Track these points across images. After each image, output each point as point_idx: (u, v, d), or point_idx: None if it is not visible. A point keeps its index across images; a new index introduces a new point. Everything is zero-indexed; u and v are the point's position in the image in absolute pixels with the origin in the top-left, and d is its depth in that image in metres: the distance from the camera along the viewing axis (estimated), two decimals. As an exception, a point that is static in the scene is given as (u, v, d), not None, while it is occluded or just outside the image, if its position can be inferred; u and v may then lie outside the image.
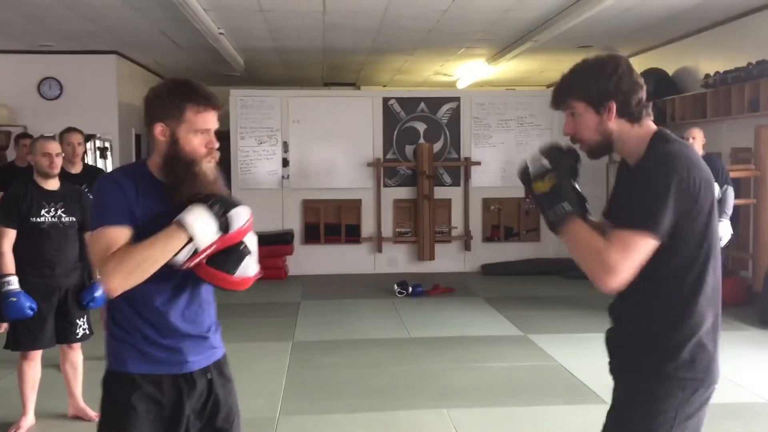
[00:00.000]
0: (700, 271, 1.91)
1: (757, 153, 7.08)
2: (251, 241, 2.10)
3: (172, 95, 2.03)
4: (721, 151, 7.62)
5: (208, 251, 1.99)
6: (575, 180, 2.02)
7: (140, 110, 2.16)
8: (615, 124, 1.95)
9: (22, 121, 9.22)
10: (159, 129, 2.02)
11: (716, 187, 6.08)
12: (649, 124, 1.99)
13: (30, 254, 3.92)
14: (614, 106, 1.94)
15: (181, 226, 1.93)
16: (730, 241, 6.31)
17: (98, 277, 1.99)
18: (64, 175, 5.01)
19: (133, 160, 10.19)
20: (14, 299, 3.77)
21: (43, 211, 3.95)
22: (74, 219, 4.07)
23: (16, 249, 3.88)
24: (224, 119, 9.48)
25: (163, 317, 2.06)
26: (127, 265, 1.91)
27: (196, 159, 2.03)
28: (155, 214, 2.00)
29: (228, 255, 2.04)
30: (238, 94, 9.68)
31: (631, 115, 1.95)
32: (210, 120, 2.05)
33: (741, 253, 7.50)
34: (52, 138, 4.27)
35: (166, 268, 1.97)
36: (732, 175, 6.49)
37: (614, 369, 2.06)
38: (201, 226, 1.94)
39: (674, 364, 1.91)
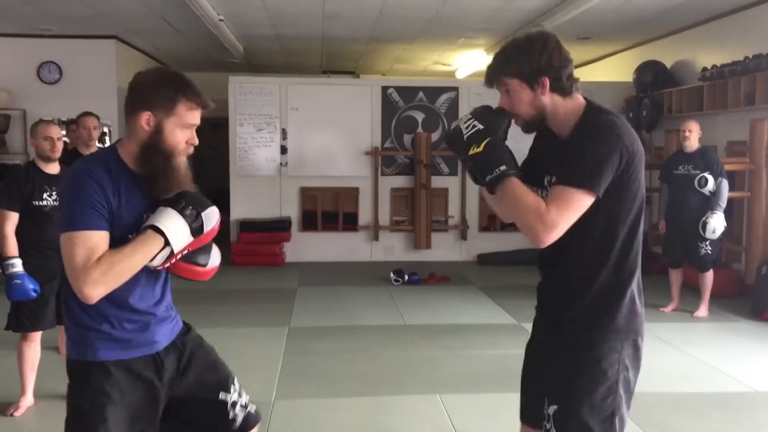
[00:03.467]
0: (631, 232, 2.04)
1: (752, 146, 7.12)
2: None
3: (167, 86, 2.01)
4: (716, 144, 7.67)
5: (182, 252, 2.05)
6: (505, 140, 2.09)
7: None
8: (548, 98, 2.04)
9: (22, 105, 9.25)
10: (145, 117, 1.99)
11: (710, 179, 6.19)
12: (578, 98, 2.08)
13: (32, 237, 3.97)
14: (547, 81, 2.01)
15: (157, 231, 1.95)
16: (723, 234, 6.38)
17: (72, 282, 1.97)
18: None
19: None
20: (18, 281, 3.82)
21: (45, 195, 4.00)
22: (75, 202, 4.12)
23: (19, 232, 3.93)
24: (223, 106, 9.57)
25: (128, 301, 2.06)
26: (111, 274, 1.90)
27: (175, 152, 2.03)
28: (131, 207, 2.01)
29: (198, 250, 2.11)
30: (237, 80, 9.69)
31: (563, 90, 2.03)
32: (198, 117, 2.06)
33: (734, 246, 7.56)
34: (53, 122, 4.32)
35: None
36: (727, 168, 6.53)
37: (549, 319, 2.19)
38: (176, 231, 1.96)
39: (614, 317, 2.03)
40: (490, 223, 10.05)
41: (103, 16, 8.21)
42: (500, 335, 5.99)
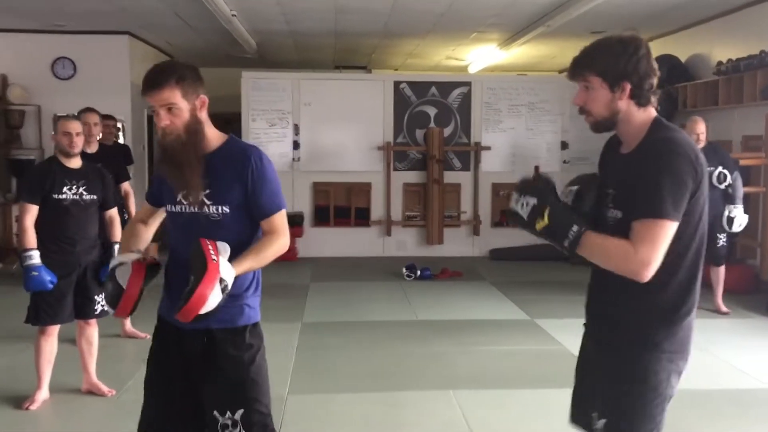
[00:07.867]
0: (694, 252, 2.02)
1: (768, 141, 7.07)
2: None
3: None
4: (731, 139, 7.60)
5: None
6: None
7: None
8: (625, 104, 2.00)
9: (36, 101, 9.30)
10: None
11: (728, 174, 6.12)
12: (652, 111, 2.05)
13: (52, 231, 4.01)
14: (628, 87, 1.98)
15: None
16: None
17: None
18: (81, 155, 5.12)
19: (146, 141, 10.25)
20: (36, 273, 3.87)
21: (65, 189, 4.02)
22: (95, 197, 4.14)
23: (39, 226, 3.96)
24: (236, 101, 9.58)
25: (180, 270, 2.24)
26: None
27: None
28: None
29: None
30: (250, 76, 9.71)
31: (640, 99, 2.00)
32: (153, 99, 2.20)
33: (749, 242, 7.50)
34: (74, 117, 4.33)
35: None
36: (742, 163, 6.49)
37: (602, 338, 2.17)
38: None
39: (668, 339, 2.04)
40: (502, 218, 10.03)
41: (116, 11, 8.23)
42: (513, 331, 5.98)
